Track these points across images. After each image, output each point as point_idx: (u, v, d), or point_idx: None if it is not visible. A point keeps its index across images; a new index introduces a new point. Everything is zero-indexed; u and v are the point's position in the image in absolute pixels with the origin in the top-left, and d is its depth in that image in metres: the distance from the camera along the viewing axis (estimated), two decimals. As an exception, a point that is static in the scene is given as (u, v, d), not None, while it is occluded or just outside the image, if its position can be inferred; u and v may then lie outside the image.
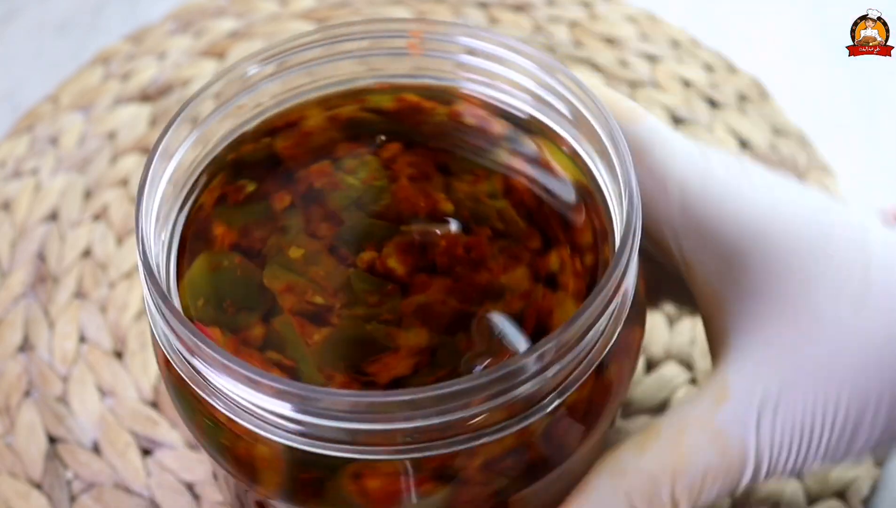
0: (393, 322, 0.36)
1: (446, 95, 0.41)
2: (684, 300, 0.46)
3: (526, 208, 0.39)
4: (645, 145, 0.39)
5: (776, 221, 0.37)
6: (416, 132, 0.40)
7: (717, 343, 0.38)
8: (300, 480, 0.35)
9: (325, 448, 0.33)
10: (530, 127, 0.40)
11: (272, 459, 0.35)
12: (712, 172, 0.39)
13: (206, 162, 0.40)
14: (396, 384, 0.35)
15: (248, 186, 0.39)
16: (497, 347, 0.35)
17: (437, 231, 0.38)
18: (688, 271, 0.39)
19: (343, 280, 0.37)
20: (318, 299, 0.37)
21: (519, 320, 0.36)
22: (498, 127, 0.40)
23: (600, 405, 0.37)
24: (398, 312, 0.36)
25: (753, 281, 0.36)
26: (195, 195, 0.39)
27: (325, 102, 0.41)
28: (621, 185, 0.37)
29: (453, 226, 0.38)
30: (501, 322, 0.36)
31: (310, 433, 0.33)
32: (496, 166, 0.40)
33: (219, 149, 0.40)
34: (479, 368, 0.35)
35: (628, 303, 0.36)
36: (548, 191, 0.39)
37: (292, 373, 0.35)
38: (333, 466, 0.34)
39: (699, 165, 0.39)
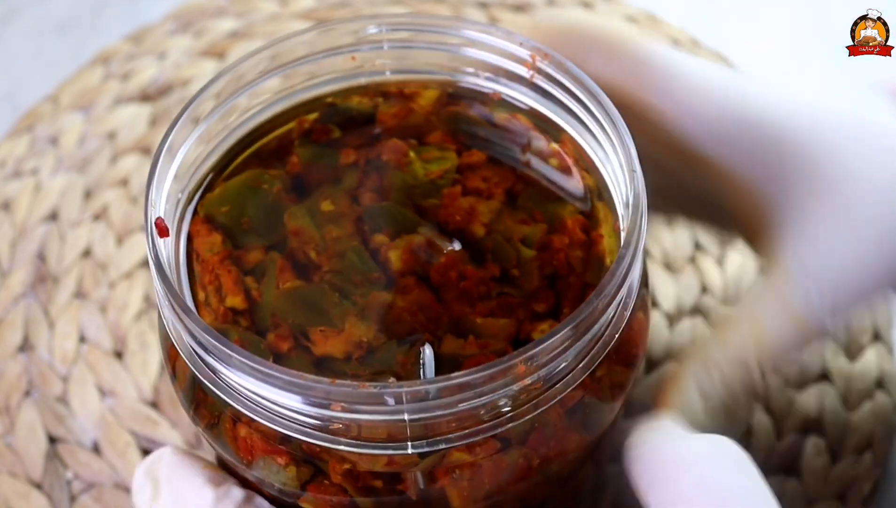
0: (356, 306, 0.37)
1: (555, 130, 0.41)
2: (696, 214, 0.47)
3: (553, 270, 0.38)
4: (672, 63, 0.40)
5: (819, 123, 0.40)
6: (511, 152, 0.40)
7: (762, 238, 0.41)
8: (200, 398, 0.37)
9: (219, 390, 0.35)
10: (602, 193, 0.39)
11: (188, 373, 0.37)
12: (748, 84, 0.40)
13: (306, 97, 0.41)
14: (326, 360, 0.36)
15: (334, 131, 0.41)
16: (409, 376, 0.36)
17: (446, 247, 0.38)
18: (724, 179, 0.41)
19: (344, 249, 0.38)
20: (313, 254, 0.38)
21: (457, 366, 0.36)
22: (580, 182, 0.40)
23: (605, 403, 0.37)
24: (367, 300, 0.37)
25: (800, 176, 0.40)
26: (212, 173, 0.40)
27: (446, 87, 0.42)
28: (624, 169, 0.37)
29: (459, 248, 0.38)
30: (431, 360, 0.36)
31: (212, 379, 0.35)
32: (553, 218, 0.39)
33: (324, 88, 0.42)
34: (384, 385, 0.35)
35: (632, 302, 0.36)
36: (584, 265, 0.38)
37: (251, 303, 0.37)
38: (225, 403, 0.36)
39: (734, 79, 0.41)
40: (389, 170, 0.40)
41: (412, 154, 0.40)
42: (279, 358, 0.36)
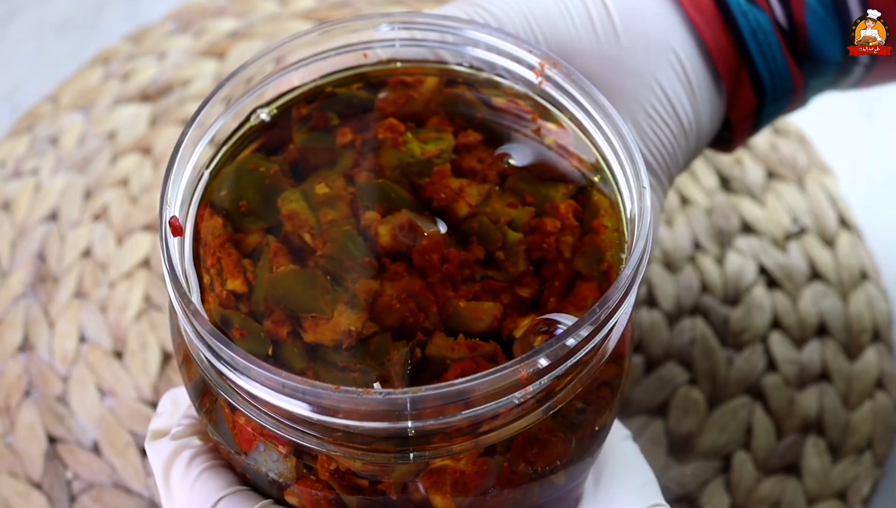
0: (348, 293, 0.37)
1: (553, 115, 0.40)
2: None
3: (542, 255, 0.37)
4: None
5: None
6: (508, 135, 0.40)
7: None
8: (202, 388, 0.38)
9: (226, 393, 0.36)
10: (604, 188, 0.39)
11: (194, 367, 0.38)
12: None
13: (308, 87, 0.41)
14: (317, 348, 0.36)
15: (333, 119, 0.40)
16: (395, 380, 0.35)
17: (430, 227, 0.38)
18: None
19: (339, 234, 0.38)
20: (307, 238, 0.38)
21: (441, 371, 0.35)
22: (578, 169, 0.39)
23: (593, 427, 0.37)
24: (357, 286, 0.37)
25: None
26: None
27: (447, 75, 0.42)
28: (631, 184, 0.37)
29: (443, 229, 0.38)
30: (410, 363, 0.36)
31: (218, 382, 0.36)
32: (545, 201, 0.38)
33: (327, 79, 0.42)
34: (375, 387, 0.35)
35: (629, 316, 0.36)
36: (573, 251, 0.38)
37: (248, 286, 0.37)
38: (231, 404, 0.36)
39: None
40: (385, 148, 0.40)
41: (409, 134, 0.40)
42: (278, 345, 0.36)
